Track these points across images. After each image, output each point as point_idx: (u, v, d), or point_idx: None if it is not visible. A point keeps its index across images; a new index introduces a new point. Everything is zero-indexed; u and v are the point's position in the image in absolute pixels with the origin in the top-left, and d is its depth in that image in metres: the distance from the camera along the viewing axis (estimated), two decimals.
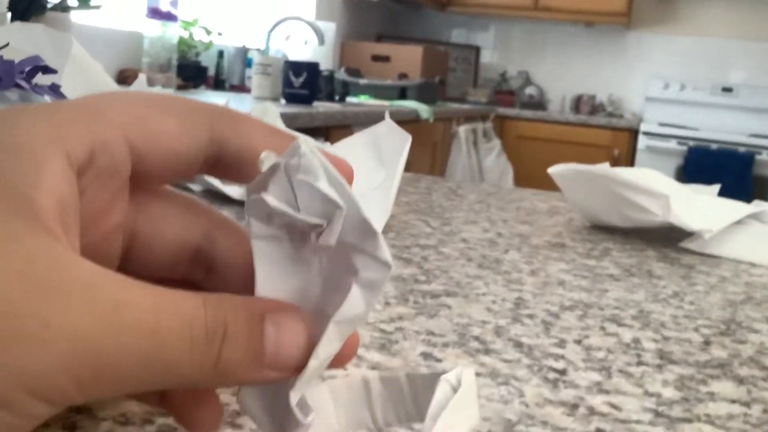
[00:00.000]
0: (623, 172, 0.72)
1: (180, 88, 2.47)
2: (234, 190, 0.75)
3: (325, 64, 3.38)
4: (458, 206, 0.86)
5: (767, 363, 0.43)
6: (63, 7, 1.92)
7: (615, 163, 3.98)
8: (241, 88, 3.07)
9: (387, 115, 0.78)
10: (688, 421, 0.34)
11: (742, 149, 4.15)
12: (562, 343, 0.43)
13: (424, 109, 3.11)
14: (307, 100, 2.54)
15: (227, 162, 0.24)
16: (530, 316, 0.47)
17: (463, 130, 3.72)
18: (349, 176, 0.25)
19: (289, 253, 0.22)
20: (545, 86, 4.87)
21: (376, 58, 3.92)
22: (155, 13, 2.32)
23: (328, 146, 0.77)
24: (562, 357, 0.40)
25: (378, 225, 0.21)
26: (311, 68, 2.56)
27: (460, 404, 0.22)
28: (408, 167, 0.81)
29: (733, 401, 0.37)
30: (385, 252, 0.21)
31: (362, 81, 3.41)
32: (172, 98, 0.24)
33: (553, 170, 0.76)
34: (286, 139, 0.24)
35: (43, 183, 0.19)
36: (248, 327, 0.20)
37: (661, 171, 0.81)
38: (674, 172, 4.10)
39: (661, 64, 4.71)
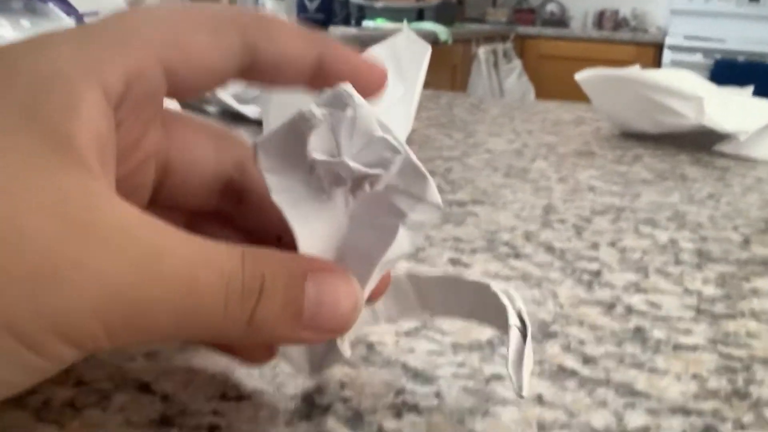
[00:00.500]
0: (654, 75, 0.69)
1: None
2: (251, 110, 0.73)
3: None
4: (481, 120, 0.83)
5: None
6: None
7: None
8: None
9: (405, 26, 0.75)
10: (732, 317, 0.32)
11: None
12: (595, 246, 0.41)
13: (442, 31, 3.04)
14: (322, 25, 2.49)
15: (261, 68, 0.23)
16: (561, 221, 0.45)
17: (482, 51, 3.65)
18: (384, 80, 0.24)
19: (315, 199, 0.21)
20: (566, 2, 4.74)
21: None
22: None
23: None
24: (596, 259, 0.39)
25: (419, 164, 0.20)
26: None
27: (530, 347, 0.22)
28: (427, 88, 0.79)
29: None
30: (436, 195, 0.21)
31: (378, 4, 3.33)
32: (203, 9, 0.22)
33: (580, 76, 0.73)
34: (320, 41, 0.23)
35: (80, 117, 0.18)
36: (287, 284, 0.19)
37: None
38: None
39: None
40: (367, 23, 3.13)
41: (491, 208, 0.47)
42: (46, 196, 0.16)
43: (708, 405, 0.25)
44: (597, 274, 0.37)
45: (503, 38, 4.04)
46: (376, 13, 3.30)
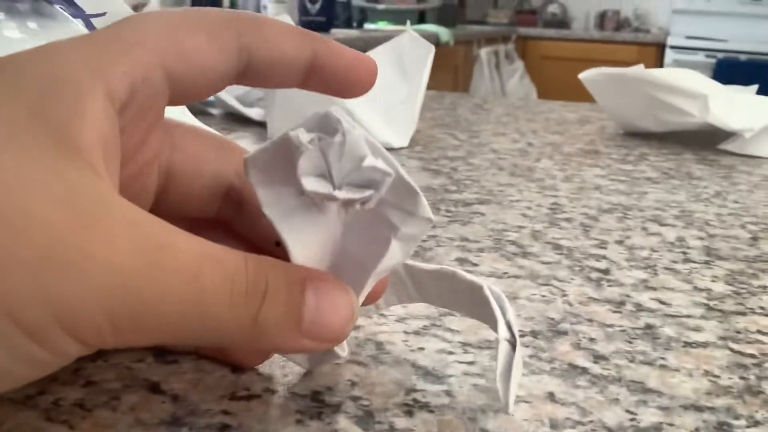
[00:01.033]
0: (658, 73, 0.69)
1: None
2: (255, 112, 0.73)
3: None
4: (485, 119, 0.83)
5: None
6: None
7: None
8: None
9: (408, 26, 0.75)
10: (742, 314, 0.32)
11: None
12: (603, 244, 0.41)
13: (444, 32, 3.04)
14: (324, 28, 2.49)
15: (257, 69, 0.23)
16: (568, 220, 0.45)
17: (484, 52, 3.65)
18: (373, 74, 0.24)
19: (306, 211, 0.21)
20: (568, 3, 4.74)
21: None
22: None
23: None
24: (604, 257, 0.39)
25: (412, 182, 0.20)
26: None
27: (519, 359, 0.22)
28: (429, 90, 0.79)
29: None
30: (427, 210, 0.21)
31: (380, 6, 3.34)
32: (201, 13, 0.22)
33: (584, 76, 0.73)
34: (313, 38, 0.23)
35: (86, 120, 0.18)
36: (288, 290, 0.19)
37: None
38: None
39: None
40: (369, 25, 3.13)
41: (497, 207, 0.47)
42: (55, 188, 0.16)
43: (721, 402, 0.24)
44: (606, 272, 0.36)
45: (505, 39, 4.04)
46: (377, 16, 3.30)
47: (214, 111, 0.78)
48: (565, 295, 0.33)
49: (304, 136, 0.19)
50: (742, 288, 0.35)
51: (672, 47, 4.21)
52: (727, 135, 0.70)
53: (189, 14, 0.22)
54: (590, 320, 0.30)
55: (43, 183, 0.16)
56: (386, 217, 0.21)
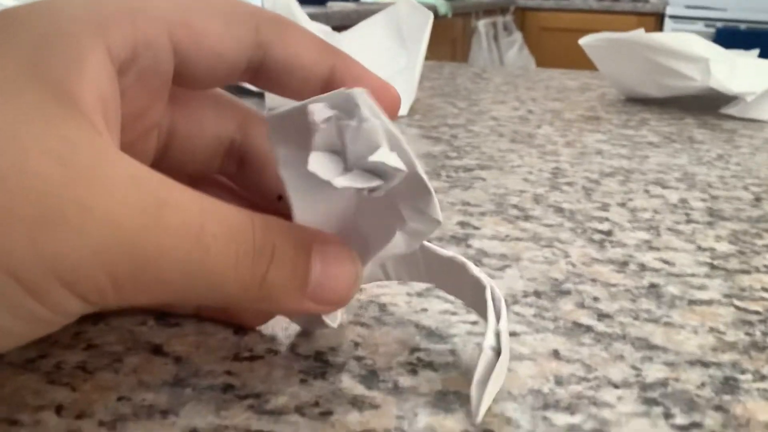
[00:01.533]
0: (659, 37, 0.68)
1: None
2: None
3: None
4: (485, 88, 0.83)
5: None
6: None
7: None
8: None
9: None
10: (746, 272, 0.32)
11: None
12: (605, 207, 0.40)
13: (441, 4, 3.02)
14: (320, 0, 2.47)
15: (270, 69, 0.22)
16: (569, 184, 0.45)
17: (482, 24, 3.62)
18: (397, 104, 0.23)
19: (320, 180, 0.21)
20: None
21: None
22: None
23: (346, 33, 0.74)
24: (607, 219, 0.38)
25: (426, 179, 0.20)
26: None
27: (501, 370, 0.21)
28: (428, 59, 0.78)
29: None
30: (437, 211, 0.21)
31: None
32: None
33: (584, 41, 0.73)
34: (335, 53, 0.22)
35: (84, 75, 0.17)
36: (296, 253, 0.19)
37: None
38: None
39: None
40: None
41: (498, 172, 0.47)
42: (52, 143, 0.16)
43: (726, 357, 0.24)
44: (608, 233, 0.36)
45: (503, 11, 4.01)
46: None
47: None
48: (567, 257, 0.33)
49: (321, 114, 0.19)
50: (746, 247, 0.35)
51: (671, 17, 4.18)
52: (728, 99, 0.69)
53: None
54: (593, 280, 0.30)
55: (40, 139, 0.16)
56: (397, 208, 0.21)
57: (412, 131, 0.59)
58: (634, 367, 0.23)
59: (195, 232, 0.17)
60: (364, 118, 0.19)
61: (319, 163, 0.19)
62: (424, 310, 0.27)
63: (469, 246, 0.34)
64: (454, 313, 0.27)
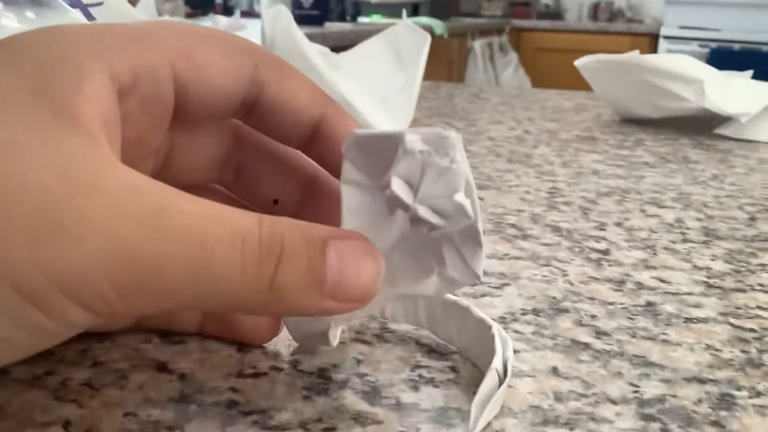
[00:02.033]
0: (653, 59, 0.69)
1: (188, 16, 2.43)
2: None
3: None
4: (482, 108, 0.83)
5: None
6: None
7: None
8: (251, 13, 3.01)
9: (404, 16, 0.75)
10: (742, 291, 0.32)
11: (765, 48, 4.03)
12: (602, 226, 0.41)
13: (438, 25, 3.04)
14: (317, 21, 2.48)
15: (263, 108, 0.22)
16: (567, 203, 0.45)
17: (478, 44, 3.64)
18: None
19: (375, 204, 0.21)
20: None
21: None
22: None
23: (345, 54, 0.74)
24: (604, 238, 0.39)
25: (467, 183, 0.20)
26: None
27: (501, 396, 0.22)
28: (425, 79, 0.79)
29: None
30: (480, 267, 0.21)
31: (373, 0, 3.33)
32: (220, 32, 0.22)
33: (580, 63, 0.73)
34: (328, 101, 0.23)
35: (86, 95, 0.18)
36: (308, 250, 0.18)
37: None
38: None
39: None
40: (363, 19, 3.13)
41: (496, 192, 0.47)
42: (51, 157, 0.16)
43: (723, 374, 0.25)
44: (605, 252, 0.37)
45: (499, 32, 4.04)
46: (371, 9, 3.29)
47: None
48: (565, 275, 0.33)
49: (418, 145, 0.19)
50: (741, 266, 0.35)
51: (665, 37, 4.22)
52: (723, 120, 0.70)
53: (208, 30, 0.22)
54: (591, 298, 0.31)
55: (40, 151, 0.16)
56: (440, 251, 0.21)
57: None
58: (632, 384, 0.24)
59: (198, 237, 0.17)
60: (457, 160, 0.19)
61: (401, 188, 0.19)
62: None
63: None
64: None
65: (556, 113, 0.81)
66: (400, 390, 0.23)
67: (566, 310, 0.29)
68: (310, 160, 0.25)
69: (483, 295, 0.30)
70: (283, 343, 0.25)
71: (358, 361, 0.24)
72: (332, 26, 2.54)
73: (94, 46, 0.19)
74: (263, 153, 0.25)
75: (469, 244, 0.21)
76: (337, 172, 0.22)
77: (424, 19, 3.14)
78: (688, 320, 0.29)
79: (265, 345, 0.25)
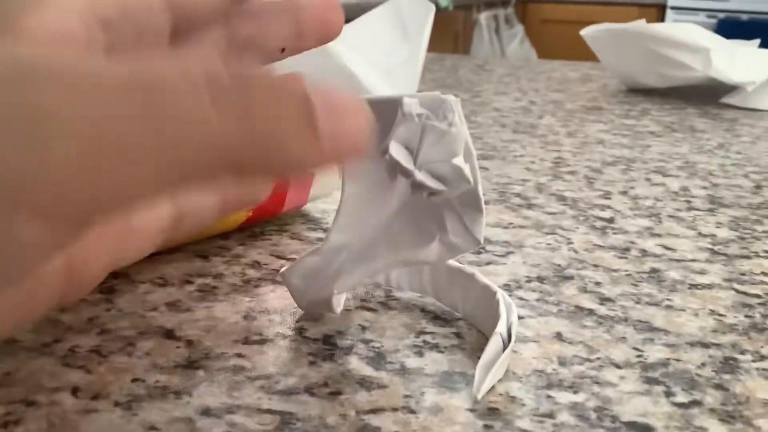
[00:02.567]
0: (660, 28, 0.68)
1: None
2: None
3: None
4: (487, 80, 0.83)
5: None
6: None
7: None
8: None
9: None
10: (747, 257, 0.32)
11: None
12: (607, 195, 0.41)
13: None
14: None
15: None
16: (572, 173, 0.45)
17: (484, 17, 3.62)
18: (335, 25, 0.23)
19: (376, 171, 0.21)
20: None
21: None
22: None
23: (348, 26, 0.74)
24: (609, 207, 0.39)
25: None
26: None
27: (505, 360, 0.22)
28: (430, 51, 0.78)
29: None
30: (481, 232, 0.21)
31: None
32: None
33: (585, 32, 0.73)
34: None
35: (43, 17, 0.17)
36: (288, 83, 0.15)
37: None
38: None
39: None
40: None
41: (501, 162, 0.47)
42: None
43: (726, 338, 0.25)
44: (610, 221, 0.37)
45: (504, 3, 4.00)
46: None
47: None
48: (570, 243, 0.33)
49: (416, 108, 0.19)
50: (746, 233, 0.35)
51: (672, 8, 4.18)
52: (729, 89, 0.70)
53: None
54: (596, 266, 0.31)
55: None
56: (442, 217, 0.21)
57: None
58: (635, 349, 0.24)
59: (137, 78, 0.14)
60: (455, 123, 0.19)
61: (400, 153, 0.19)
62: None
63: None
64: None
65: (561, 84, 0.81)
66: (405, 355, 0.23)
67: (570, 277, 0.29)
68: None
69: (488, 263, 0.31)
70: (288, 310, 0.25)
71: (363, 328, 0.25)
72: None
73: None
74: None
75: (469, 209, 0.21)
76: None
77: None
78: (693, 286, 0.29)
79: (270, 313, 0.25)
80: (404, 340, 0.24)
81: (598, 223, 0.36)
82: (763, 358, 0.24)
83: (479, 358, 0.22)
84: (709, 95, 0.72)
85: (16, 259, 0.14)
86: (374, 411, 0.20)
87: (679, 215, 0.38)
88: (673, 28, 0.69)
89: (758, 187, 0.43)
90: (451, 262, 0.25)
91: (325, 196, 0.35)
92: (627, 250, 0.33)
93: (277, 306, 0.26)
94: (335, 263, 0.23)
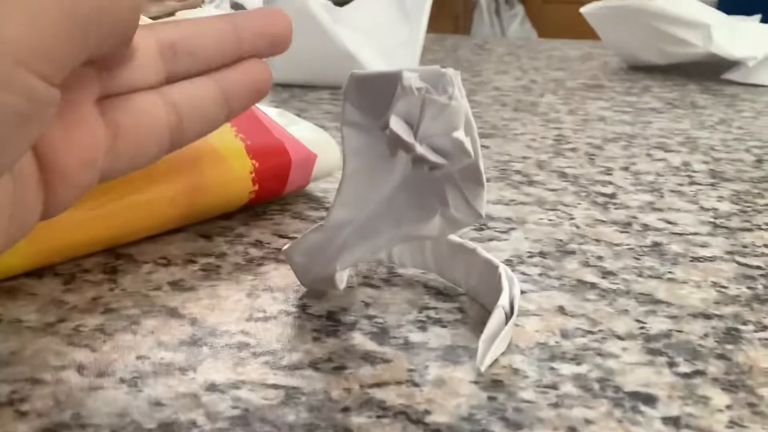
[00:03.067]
0: (660, 3, 0.68)
1: None
2: (254, 1, 0.73)
3: None
4: (487, 59, 0.83)
5: None
6: None
7: None
8: None
9: None
10: (748, 230, 0.32)
11: None
12: (608, 171, 0.41)
13: None
14: None
15: None
16: (573, 150, 0.45)
17: None
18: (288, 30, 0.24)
19: (376, 145, 0.21)
20: None
21: None
22: None
23: (348, 7, 0.74)
24: (610, 183, 0.39)
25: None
26: None
27: (508, 333, 0.22)
28: (430, 32, 0.78)
29: None
30: (483, 205, 0.21)
31: None
32: None
33: (585, 10, 0.73)
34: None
35: None
36: None
37: None
38: None
39: None
40: None
41: (502, 140, 0.47)
42: None
43: (729, 309, 0.25)
44: (612, 196, 0.37)
45: None
46: None
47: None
48: (572, 219, 0.33)
49: (416, 82, 0.19)
50: (748, 207, 0.35)
51: None
52: (730, 65, 0.69)
53: None
54: (597, 240, 0.31)
55: None
56: (443, 192, 0.21)
57: None
58: (638, 321, 0.24)
59: None
60: (455, 97, 0.19)
61: (400, 127, 0.20)
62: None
63: None
64: None
65: (562, 62, 0.81)
66: (408, 330, 0.23)
67: (572, 252, 0.29)
68: None
69: (490, 240, 0.31)
70: (291, 288, 0.25)
71: (366, 304, 0.25)
72: None
73: None
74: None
75: (470, 183, 0.21)
76: None
77: None
78: (695, 259, 0.29)
79: (273, 291, 0.25)
80: (407, 316, 0.24)
81: (600, 199, 0.36)
82: (765, 328, 0.24)
83: (482, 332, 0.22)
84: (710, 71, 0.72)
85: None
86: (378, 385, 0.20)
87: (680, 190, 0.38)
88: (673, 4, 0.68)
89: (760, 161, 0.43)
90: (453, 237, 0.25)
91: (327, 175, 0.35)
92: (629, 224, 0.33)
93: (280, 284, 0.26)
94: (338, 240, 0.23)
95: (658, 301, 0.25)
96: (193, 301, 0.24)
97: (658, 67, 0.75)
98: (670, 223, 0.33)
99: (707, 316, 0.24)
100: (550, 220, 0.33)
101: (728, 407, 0.19)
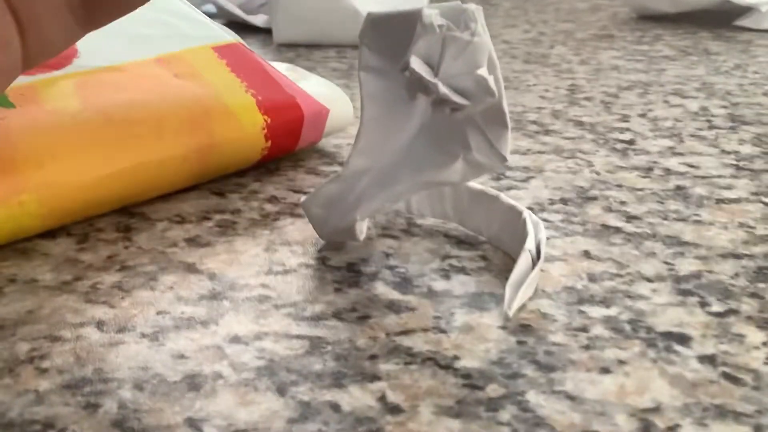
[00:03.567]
0: None
1: None
2: (258, 19, 0.72)
3: None
4: (493, 14, 0.81)
5: None
6: None
7: None
8: None
9: None
10: None
11: None
12: (625, 118, 0.40)
13: None
14: None
15: None
16: (588, 99, 0.44)
17: None
18: None
19: (395, 89, 0.21)
20: None
21: None
22: None
23: None
24: (628, 129, 0.38)
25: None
26: None
27: (535, 278, 0.21)
28: None
29: None
30: (507, 148, 0.20)
31: None
32: None
33: None
34: None
35: None
36: None
37: None
38: None
39: None
40: None
41: (514, 92, 0.46)
42: None
43: (758, 249, 0.24)
44: (631, 142, 0.36)
45: None
46: None
47: (217, 21, 0.76)
48: (591, 166, 0.33)
49: (436, 19, 0.19)
50: None
51: None
52: (742, 11, 0.68)
53: None
54: (619, 185, 0.30)
55: None
56: (465, 135, 0.20)
57: None
58: (666, 263, 0.23)
59: None
60: (478, 32, 0.18)
61: (422, 68, 0.19)
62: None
63: None
64: None
65: (570, 14, 0.79)
66: (432, 279, 0.22)
67: (594, 198, 0.29)
68: None
69: (509, 189, 0.30)
70: (309, 241, 0.25)
71: (387, 255, 0.24)
72: None
73: None
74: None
75: (493, 125, 0.20)
76: None
77: None
78: (720, 201, 0.28)
79: (291, 244, 0.25)
80: (429, 265, 0.23)
81: (619, 146, 0.35)
82: None
83: (507, 279, 0.21)
84: (721, 18, 0.70)
85: None
86: (405, 332, 0.19)
87: (700, 134, 0.37)
88: None
89: None
90: (473, 184, 0.25)
91: (340, 131, 0.35)
92: (650, 169, 0.32)
93: (298, 238, 0.25)
94: (356, 189, 0.23)
95: (686, 243, 0.25)
96: (210, 256, 0.24)
97: (668, 15, 0.73)
98: (692, 166, 0.32)
99: (737, 256, 0.24)
100: (569, 167, 0.32)
101: (764, 344, 0.19)
